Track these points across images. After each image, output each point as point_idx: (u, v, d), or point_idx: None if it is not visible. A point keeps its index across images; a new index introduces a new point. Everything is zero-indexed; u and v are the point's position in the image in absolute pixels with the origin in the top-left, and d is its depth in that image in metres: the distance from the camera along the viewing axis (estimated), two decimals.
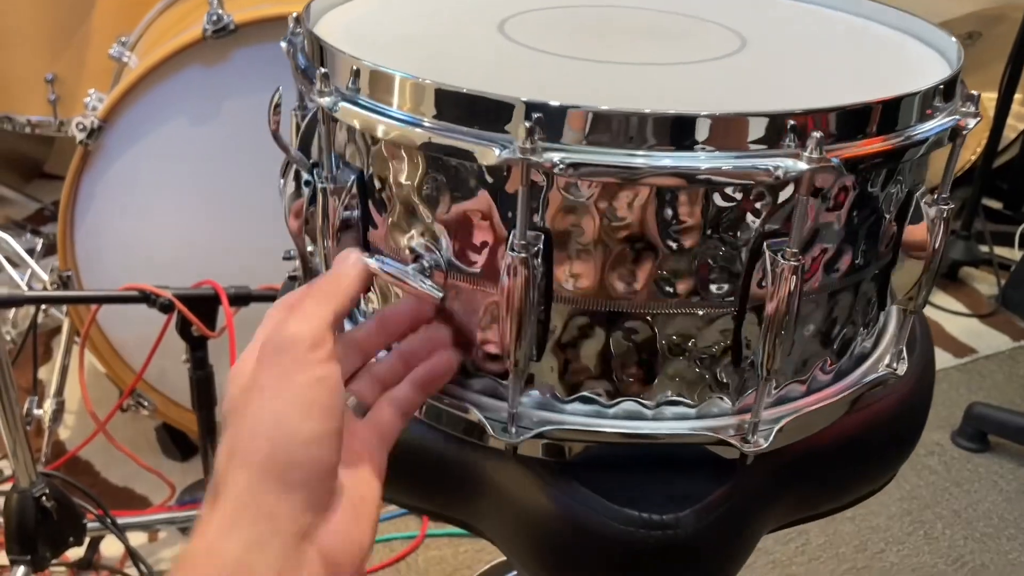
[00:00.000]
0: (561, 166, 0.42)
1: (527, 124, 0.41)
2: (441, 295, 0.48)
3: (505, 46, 0.58)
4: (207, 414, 1.34)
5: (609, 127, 0.42)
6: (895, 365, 0.57)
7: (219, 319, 1.26)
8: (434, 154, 0.46)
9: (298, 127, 0.60)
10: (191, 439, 1.52)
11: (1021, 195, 2.33)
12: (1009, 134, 2.21)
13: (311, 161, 0.56)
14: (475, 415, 0.50)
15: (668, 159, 0.42)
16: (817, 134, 0.42)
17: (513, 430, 0.49)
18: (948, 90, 0.51)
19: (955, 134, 0.49)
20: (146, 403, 1.42)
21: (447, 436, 0.53)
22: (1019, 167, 2.33)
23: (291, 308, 0.44)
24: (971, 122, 0.50)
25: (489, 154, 0.43)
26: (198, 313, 1.23)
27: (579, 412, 0.50)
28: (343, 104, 0.48)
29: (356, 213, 0.52)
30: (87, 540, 1.24)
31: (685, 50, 0.59)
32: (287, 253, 0.68)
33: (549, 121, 0.42)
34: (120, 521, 1.26)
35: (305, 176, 0.55)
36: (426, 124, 0.45)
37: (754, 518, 0.53)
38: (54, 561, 1.17)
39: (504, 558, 1.00)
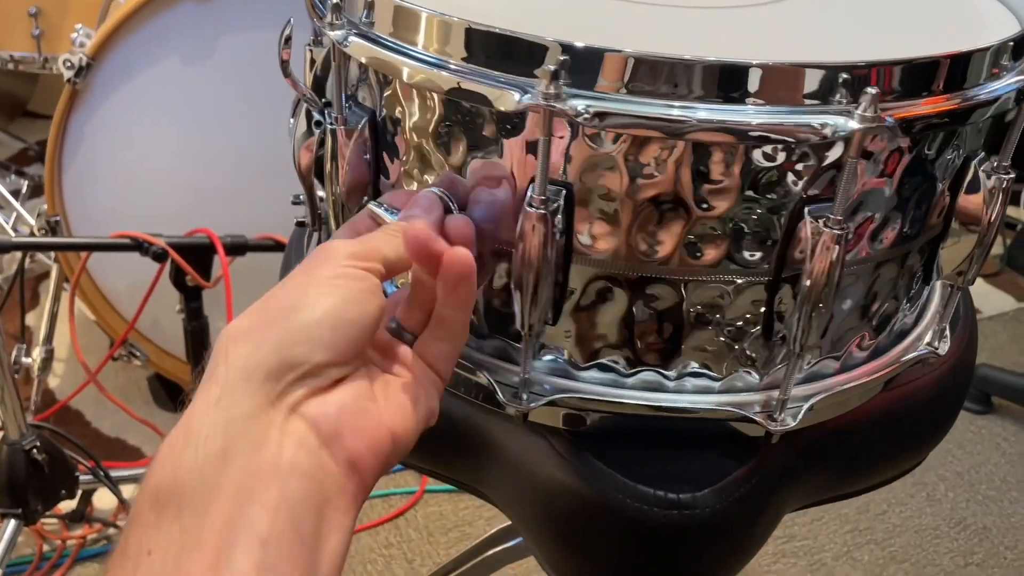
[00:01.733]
0: (586, 115, 0.38)
1: (551, 67, 0.37)
2: None
3: None
4: (202, 364, 1.30)
5: (647, 74, 0.38)
6: (936, 344, 0.54)
7: (214, 269, 1.22)
8: (454, 99, 0.42)
9: (312, 63, 0.56)
10: (185, 390, 1.49)
11: None
12: None
13: (323, 101, 0.52)
14: (484, 378, 0.47)
15: (712, 112, 0.38)
16: (872, 90, 0.38)
17: (524, 396, 0.46)
18: (1018, 48, 0.46)
19: (1023, 96, 0.45)
20: (138, 353, 1.39)
21: (457, 398, 0.50)
22: None
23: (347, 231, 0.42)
24: None
25: (508, 99, 0.39)
26: (192, 262, 1.19)
27: (595, 380, 0.47)
28: (354, 39, 0.44)
29: (367, 157, 0.48)
30: (79, 492, 1.21)
31: None
32: (296, 197, 0.64)
33: (579, 65, 0.38)
34: (113, 473, 1.23)
35: (316, 116, 0.51)
36: (452, 66, 0.41)
37: (777, 498, 0.50)
38: (46, 514, 1.15)
39: (509, 522, 0.98)
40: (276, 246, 1.23)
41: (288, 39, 0.52)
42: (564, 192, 0.41)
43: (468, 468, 0.53)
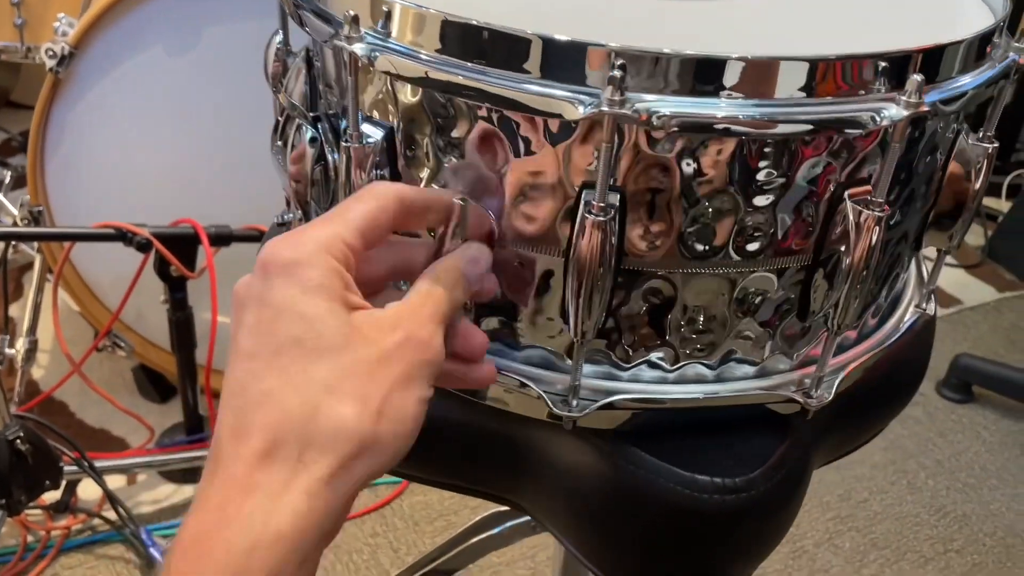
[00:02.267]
0: (658, 119, 0.38)
1: (616, 73, 0.37)
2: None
3: None
4: (187, 356, 1.30)
5: (702, 71, 0.39)
6: (924, 306, 0.56)
7: (199, 259, 1.22)
8: (504, 109, 0.41)
9: (284, 70, 0.55)
10: (170, 381, 1.48)
11: (1009, 145, 2.32)
12: None
13: (312, 115, 0.51)
14: (534, 390, 0.46)
15: (757, 108, 0.39)
16: (918, 77, 0.39)
17: (575, 403, 0.46)
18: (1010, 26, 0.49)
19: (1018, 70, 0.47)
20: (123, 344, 1.38)
21: (486, 410, 0.49)
22: (1006, 117, 2.30)
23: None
24: None
25: (572, 110, 0.38)
26: (177, 253, 1.19)
27: (641, 379, 0.47)
28: (385, 53, 0.41)
29: (383, 174, 0.46)
30: (63, 483, 1.21)
31: None
32: (279, 218, 0.62)
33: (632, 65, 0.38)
34: (97, 464, 1.23)
35: (309, 132, 0.50)
36: (423, 57, 0.41)
37: (809, 469, 0.52)
38: (30, 505, 1.15)
39: (495, 509, 0.98)
40: (261, 236, 1.23)
41: (278, 51, 0.51)
42: (618, 196, 0.41)
43: (502, 481, 0.52)
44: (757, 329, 0.46)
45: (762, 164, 0.41)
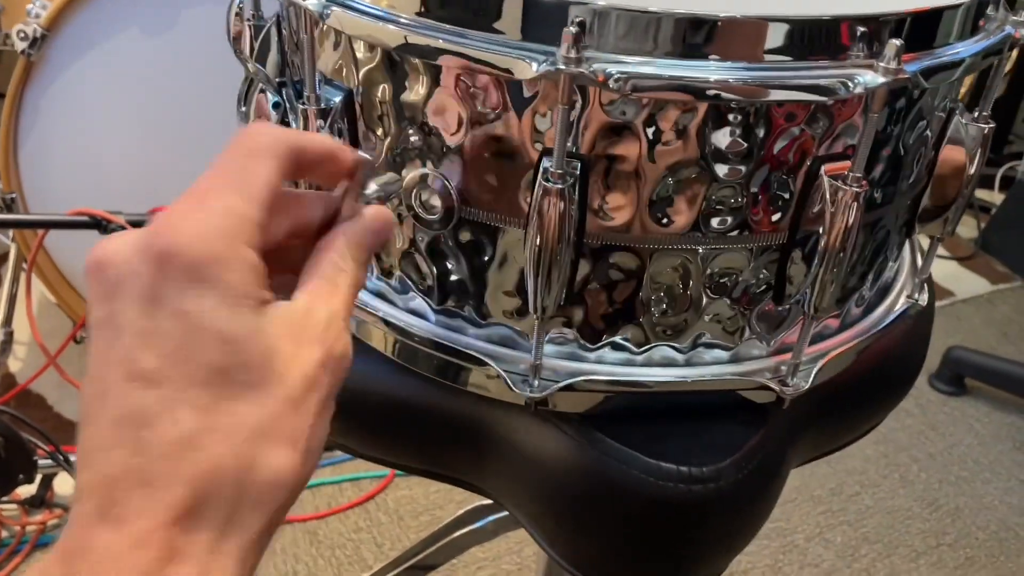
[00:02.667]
0: (617, 80, 0.35)
1: (572, 30, 0.34)
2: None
3: None
4: None
5: (658, 30, 0.36)
6: (916, 296, 0.54)
7: None
8: (460, 67, 0.39)
9: (251, 39, 0.53)
10: None
11: (1002, 136, 2.30)
12: None
13: (278, 80, 0.49)
14: (493, 368, 0.44)
15: (732, 72, 0.36)
16: (897, 42, 0.36)
17: (536, 383, 0.43)
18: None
19: (1013, 44, 0.45)
20: None
21: (443, 387, 0.47)
22: (999, 107, 2.29)
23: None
24: None
25: (525, 68, 0.36)
26: None
27: (607, 360, 0.45)
28: (336, 10, 0.40)
29: (343, 140, 0.44)
30: (39, 477, 1.18)
31: None
32: None
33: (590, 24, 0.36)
34: (73, 458, 1.19)
35: (272, 97, 0.48)
36: (403, 21, 0.38)
37: (786, 461, 0.49)
38: (3, 499, 1.12)
39: (479, 503, 0.96)
40: None
41: (239, 14, 0.49)
42: (579, 164, 0.38)
43: (468, 465, 0.50)
44: (729, 311, 0.44)
45: (731, 133, 0.39)
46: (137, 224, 1.14)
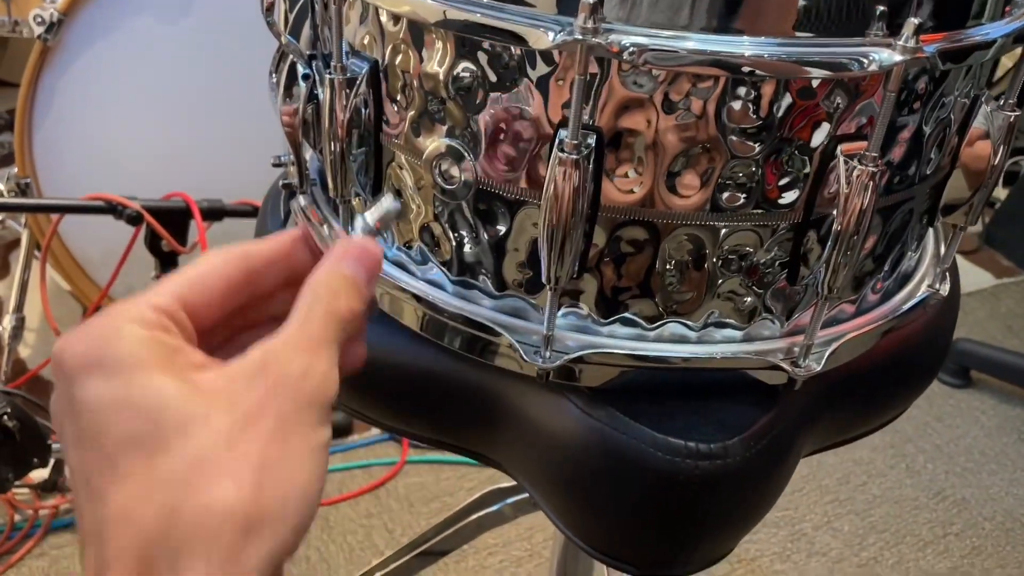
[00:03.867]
0: (631, 50, 0.35)
1: (590, 0, 0.35)
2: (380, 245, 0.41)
3: None
4: None
5: (678, 3, 0.36)
6: (937, 285, 0.54)
7: (191, 234, 1.19)
8: (465, 35, 0.40)
9: (286, 14, 0.53)
10: None
11: None
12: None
13: (308, 52, 0.49)
14: (505, 338, 0.44)
15: (761, 47, 0.36)
16: (915, 20, 0.36)
17: (548, 354, 0.44)
18: None
19: None
20: None
21: (459, 358, 0.47)
22: None
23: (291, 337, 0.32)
24: None
25: (541, 37, 0.36)
26: (168, 227, 1.16)
27: (618, 335, 0.45)
28: None
29: (368, 110, 0.45)
30: (52, 461, 1.19)
31: None
32: (276, 159, 0.61)
33: None
34: None
35: (302, 69, 0.49)
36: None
37: (797, 444, 0.49)
38: (17, 483, 1.12)
39: (493, 487, 0.96)
40: (254, 211, 1.20)
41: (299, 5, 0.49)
42: (594, 136, 0.39)
43: (480, 435, 0.51)
44: (742, 290, 0.44)
45: (748, 109, 0.39)
46: (151, 209, 1.15)
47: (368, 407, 0.53)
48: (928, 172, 0.47)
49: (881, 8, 0.37)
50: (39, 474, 1.19)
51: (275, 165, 0.61)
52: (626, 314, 0.44)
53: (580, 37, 0.35)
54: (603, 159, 0.40)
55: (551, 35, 0.36)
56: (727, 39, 0.37)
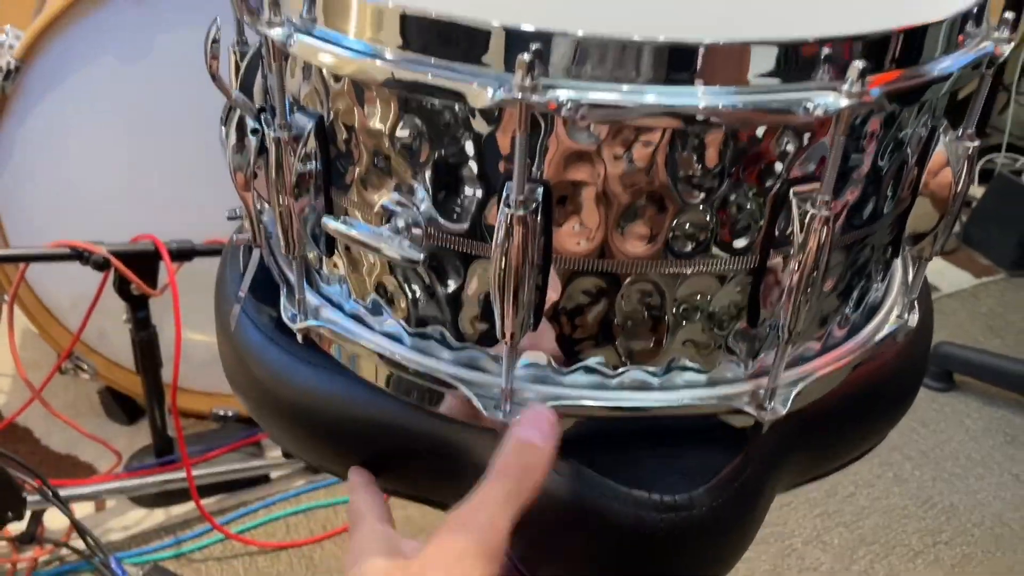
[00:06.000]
0: (570, 107, 0.35)
1: (526, 57, 0.34)
2: (421, 256, 0.41)
3: None
4: (152, 376, 1.26)
5: (622, 57, 0.36)
6: (906, 316, 0.53)
7: (162, 275, 1.18)
8: (408, 94, 0.39)
9: (237, 66, 0.53)
10: (137, 401, 1.44)
11: (981, 131, 2.32)
12: None
13: (258, 106, 0.48)
14: (463, 391, 0.44)
15: (665, 97, 0.36)
16: (860, 64, 0.36)
17: (507, 408, 0.43)
18: (979, 15, 0.45)
19: (992, 61, 0.44)
20: (85, 366, 1.34)
21: (420, 410, 0.47)
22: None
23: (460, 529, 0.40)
24: (1006, 48, 0.44)
25: (480, 95, 0.36)
26: (137, 270, 1.15)
27: (579, 384, 0.44)
28: (300, 37, 0.40)
29: (315, 166, 0.45)
30: (28, 513, 1.17)
31: None
32: (231, 212, 0.60)
33: (545, 52, 0.35)
34: (63, 492, 1.18)
35: (251, 123, 0.48)
36: (388, 57, 0.38)
37: (767, 487, 0.48)
38: None
39: None
40: None
41: (215, 41, 0.49)
42: (542, 190, 0.38)
43: (447, 489, 0.49)
44: (702, 335, 0.44)
45: (694, 156, 0.38)
46: (119, 253, 1.13)
47: (332, 461, 0.52)
48: (887, 208, 0.46)
49: (827, 51, 0.37)
50: (17, 526, 1.17)
51: (230, 218, 0.60)
52: (587, 362, 0.44)
53: (518, 95, 0.35)
54: (551, 212, 0.39)
55: (490, 92, 0.35)
56: (671, 89, 0.36)
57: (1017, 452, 1.52)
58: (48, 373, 1.30)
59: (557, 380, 0.44)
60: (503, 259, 0.38)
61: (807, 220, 0.39)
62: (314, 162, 0.44)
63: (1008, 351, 1.69)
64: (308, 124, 0.44)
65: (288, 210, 0.45)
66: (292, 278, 0.50)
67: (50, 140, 1.23)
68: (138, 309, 1.20)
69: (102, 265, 1.12)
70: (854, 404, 0.52)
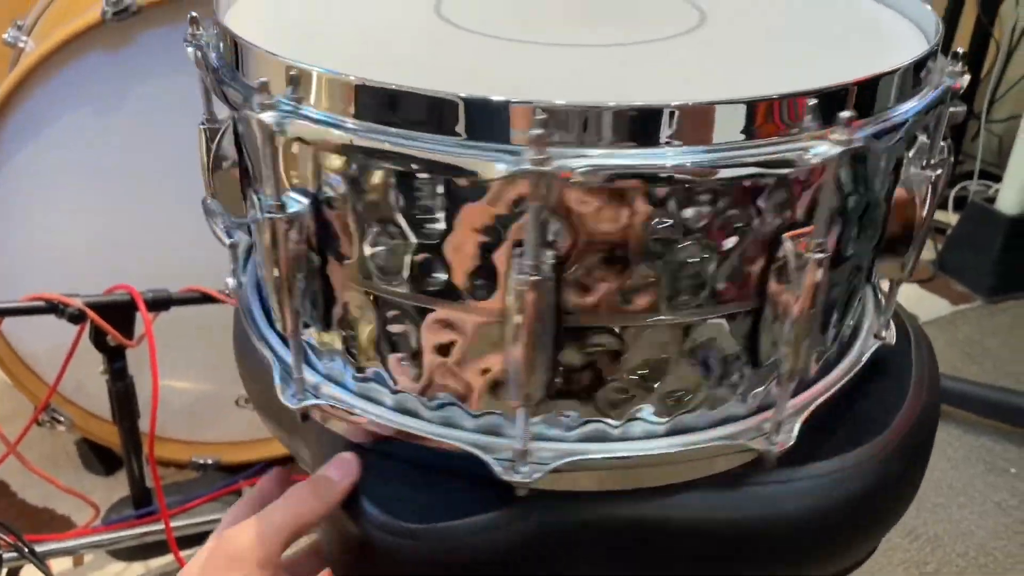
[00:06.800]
0: (582, 172, 0.37)
1: (536, 132, 0.35)
2: None
3: (443, 31, 0.51)
4: (130, 427, 1.25)
5: (626, 122, 0.37)
6: (884, 334, 0.55)
7: (138, 325, 1.17)
8: (405, 168, 0.40)
9: (208, 147, 0.53)
10: (115, 452, 1.42)
11: (954, 157, 2.35)
12: None
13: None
14: (482, 457, 0.45)
15: (687, 156, 0.38)
16: (846, 113, 0.38)
17: (525, 468, 0.44)
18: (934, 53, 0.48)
19: (953, 94, 0.47)
20: (62, 418, 1.32)
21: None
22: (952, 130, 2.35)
23: (251, 521, 0.45)
24: (965, 80, 0.47)
25: (490, 167, 0.37)
26: (113, 321, 1.13)
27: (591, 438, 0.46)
28: (296, 120, 0.40)
29: (313, 242, 0.45)
30: (4, 571, 1.14)
31: (641, 28, 0.54)
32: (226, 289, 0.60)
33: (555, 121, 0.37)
34: (41, 548, 1.16)
35: (225, 237, 0.51)
36: (400, 135, 0.39)
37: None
38: None
39: None
40: (202, 298, 1.18)
41: (219, 138, 0.50)
42: (553, 254, 0.39)
43: None
44: (705, 379, 0.45)
45: (693, 212, 0.40)
46: (94, 305, 1.12)
47: None
48: (865, 238, 0.48)
49: (812, 103, 0.38)
50: None
51: (227, 294, 0.60)
52: (595, 418, 0.45)
53: (530, 167, 0.36)
54: (561, 273, 0.40)
55: (500, 166, 0.37)
56: (650, 151, 0.37)
57: (998, 480, 1.53)
58: (24, 426, 1.28)
59: (567, 437, 0.46)
60: (520, 325, 0.40)
61: (801, 263, 0.40)
62: (311, 239, 0.45)
63: (986, 378, 1.70)
64: (303, 203, 0.43)
65: (285, 283, 0.45)
66: (287, 355, 0.50)
67: (25, 193, 1.23)
68: (114, 360, 1.19)
69: (77, 317, 1.11)
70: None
